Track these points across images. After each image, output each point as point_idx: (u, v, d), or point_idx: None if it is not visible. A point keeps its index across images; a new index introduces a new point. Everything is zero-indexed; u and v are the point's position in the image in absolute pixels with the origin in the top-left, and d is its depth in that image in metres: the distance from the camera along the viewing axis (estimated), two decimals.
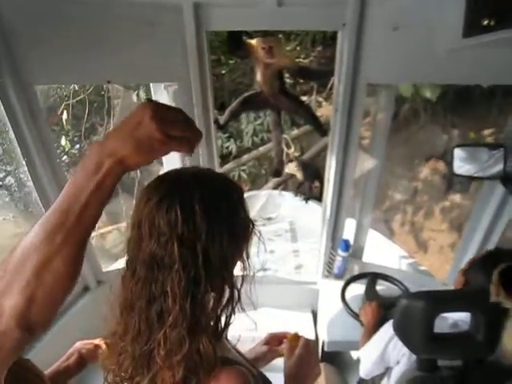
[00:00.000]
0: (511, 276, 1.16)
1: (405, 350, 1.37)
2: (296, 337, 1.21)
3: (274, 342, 1.31)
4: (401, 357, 1.42)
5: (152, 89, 2.06)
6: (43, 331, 0.67)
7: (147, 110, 0.63)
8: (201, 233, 0.73)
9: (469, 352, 1.21)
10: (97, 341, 1.30)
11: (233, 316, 0.85)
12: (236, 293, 0.83)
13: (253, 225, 0.87)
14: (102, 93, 4.48)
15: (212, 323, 0.80)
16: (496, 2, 1.26)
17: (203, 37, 1.75)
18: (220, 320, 0.83)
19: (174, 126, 0.65)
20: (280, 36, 1.95)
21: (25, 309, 0.60)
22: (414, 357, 1.33)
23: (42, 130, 1.70)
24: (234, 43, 1.92)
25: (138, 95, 4.52)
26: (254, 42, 1.89)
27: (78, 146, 4.71)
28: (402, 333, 1.25)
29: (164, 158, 2.29)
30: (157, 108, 0.64)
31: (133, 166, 0.65)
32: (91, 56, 1.63)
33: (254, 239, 0.89)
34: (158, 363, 0.76)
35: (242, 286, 0.85)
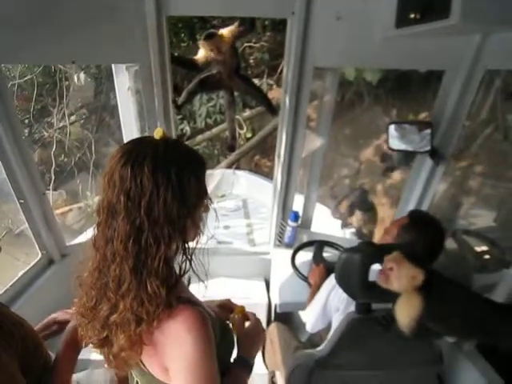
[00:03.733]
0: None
1: (343, 296, 1.57)
2: (241, 308, 1.39)
3: (227, 308, 1.44)
4: (340, 304, 1.62)
5: (114, 69, 2.15)
6: None
7: None
8: (146, 191, 0.85)
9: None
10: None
11: (187, 266, 0.97)
12: (186, 248, 0.96)
13: (206, 194, 0.99)
14: (53, 74, 4.41)
15: (161, 269, 0.90)
16: None
17: (163, 21, 1.86)
18: (173, 268, 0.97)
19: None
20: (219, 32, 2.10)
21: None
22: (351, 303, 1.54)
23: (9, 108, 1.72)
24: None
25: (81, 76, 4.51)
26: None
27: (27, 130, 4.60)
28: (342, 282, 1.45)
29: (123, 132, 2.39)
30: None
31: None
32: (56, 37, 1.70)
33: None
34: (111, 294, 0.91)
35: (195, 246, 1.00)
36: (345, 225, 3.32)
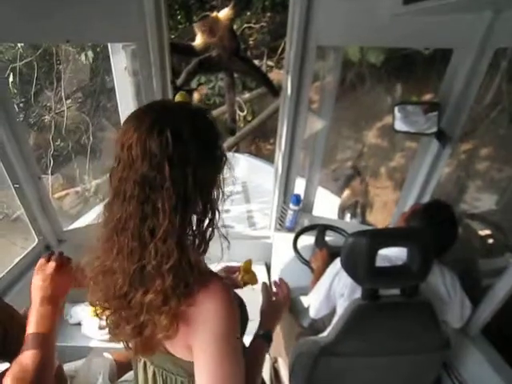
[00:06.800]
0: None
1: (348, 282, 1.53)
2: (248, 263, 1.49)
3: (230, 272, 1.48)
4: (344, 289, 1.59)
5: (110, 49, 2.08)
6: None
7: None
8: (190, 155, 0.79)
9: (405, 280, 1.39)
10: None
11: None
12: (217, 214, 0.90)
13: (225, 157, 0.92)
14: (47, 57, 4.35)
15: (198, 240, 0.87)
16: None
17: None
18: (205, 238, 0.90)
19: None
20: (215, 14, 2.04)
21: None
22: (356, 289, 1.50)
23: (2, 92, 1.69)
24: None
25: (86, 56, 4.41)
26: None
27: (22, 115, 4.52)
28: (348, 266, 1.42)
29: (121, 115, 2.32)
30: None
31: None
32: (51, 15, 1.63)
33: None
34: (150, 273, 0.84)
35: (219, 216, 0.92)
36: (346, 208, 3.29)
